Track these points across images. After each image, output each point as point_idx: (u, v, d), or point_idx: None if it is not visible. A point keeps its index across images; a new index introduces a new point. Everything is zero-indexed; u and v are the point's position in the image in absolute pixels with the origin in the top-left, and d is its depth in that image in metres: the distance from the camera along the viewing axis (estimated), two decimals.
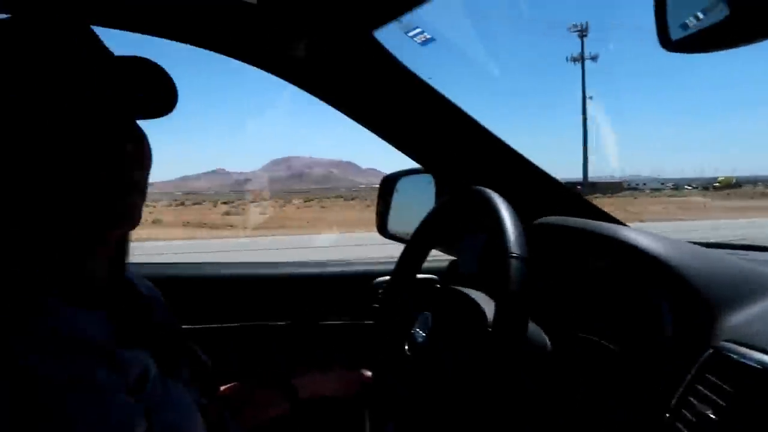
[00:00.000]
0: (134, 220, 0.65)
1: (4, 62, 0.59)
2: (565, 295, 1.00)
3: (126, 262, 0.75)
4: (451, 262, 1.48)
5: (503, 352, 0.68)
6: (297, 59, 1.17)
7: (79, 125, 0.60)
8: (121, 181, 0.62)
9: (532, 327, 0.85)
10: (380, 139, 1.30)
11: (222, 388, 0.99)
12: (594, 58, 44.82)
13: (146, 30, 1.15)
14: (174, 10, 1.12)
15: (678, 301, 0.76)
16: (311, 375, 1.02)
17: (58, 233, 0.62)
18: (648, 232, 0.89)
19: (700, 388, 0.65)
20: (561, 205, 1.21)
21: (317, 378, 1.02)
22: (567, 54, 45.87)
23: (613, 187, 64.49)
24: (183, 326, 0.89)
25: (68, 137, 0.59)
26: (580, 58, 44.17)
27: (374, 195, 1.61)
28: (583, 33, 44.64)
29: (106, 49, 0.66)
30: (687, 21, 0.60)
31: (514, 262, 0.71)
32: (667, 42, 0.60)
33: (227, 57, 1.20)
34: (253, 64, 1.21)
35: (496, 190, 0.84)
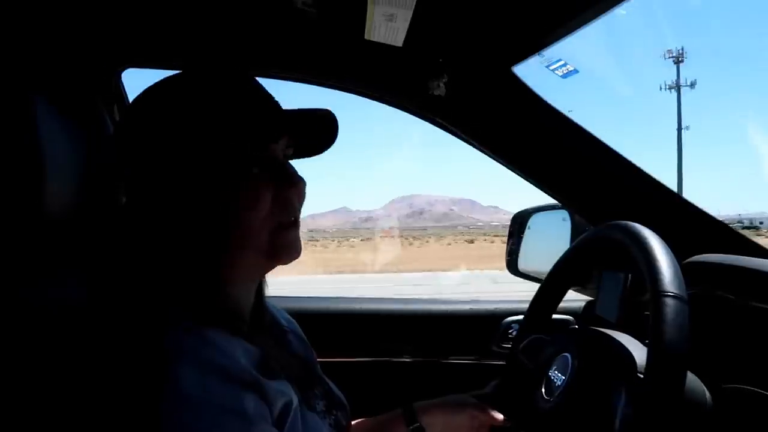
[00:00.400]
0: (299, 252, 0.72)
1: (183, 112, 0.67)
2: (726, 343, 0.90)
3: (264, 293, 0.81)
4: (588, 303, 1.40)
5: (659, 402, 0.62)
6: (438, 98, 1.19)
7: (257, 170, 0.68)
8: (291, 218, 0.71)
9: (691, 377, 0.77)
10: (506, 174, 1.28)
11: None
12: (692, 85, 41.08)
13: (294, 77, 1.25)
14: (321, 57, 1.21)
15: None
16: (441, 414, 1.00)
17: (234, 269, 0.70)
18: None
19: None
20: (717, 242, 1.10)
21: (447, 418, 0.99)
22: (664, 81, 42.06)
23: None
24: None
25: (247, 182, 0.67)
26: (676, 86, 40.49)
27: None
28: (679, 59, 41.22)
29: (273, 100, 0.73)
30: None
31: (670, 302, 0.66)
32: None
33: (364, 99, 1.26)
34: (395, 105, 1.26)
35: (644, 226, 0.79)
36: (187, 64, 1.20)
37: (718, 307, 0.93)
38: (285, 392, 0.63)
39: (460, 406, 0.99)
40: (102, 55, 1.19)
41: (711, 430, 0.75)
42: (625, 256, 0.79)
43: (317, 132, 0.76)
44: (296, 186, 0.71)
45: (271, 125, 0.69)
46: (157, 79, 0.71)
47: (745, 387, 0.82)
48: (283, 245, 0.70)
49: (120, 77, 1.25)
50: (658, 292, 0.67)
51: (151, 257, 0.67)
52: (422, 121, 1.25)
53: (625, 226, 0.82)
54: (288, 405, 0.63)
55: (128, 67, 1.24)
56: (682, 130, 39.22)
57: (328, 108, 0.75)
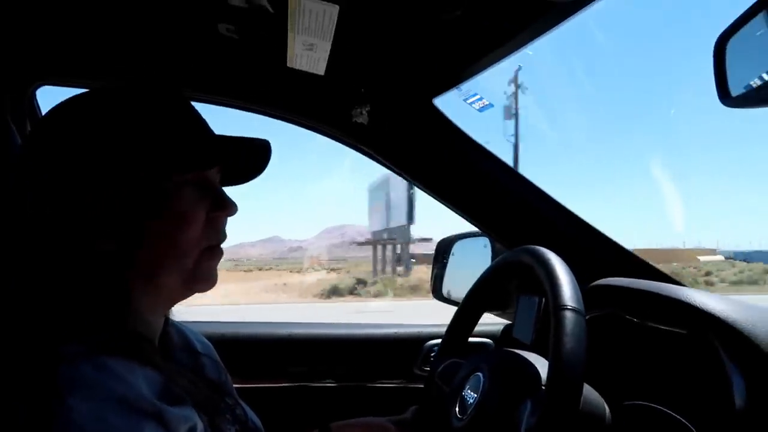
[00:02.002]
0: (215, 281, 0.72)
1: (109, 127, 0.65)
2: (625, 361, 0.96)
3: (170, 317, 0.80)
4: (506, 327, 1.44)
5: (559, 408, 0.65)
6: (361, 125, 1.22)
7: (193, 191, 0.68)
8: (219, 242, 0.72)
9: (592, 393, 0.81)
10: (438, 205, 1.32)
11: None
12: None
13: (219, 101, 1.25)
14: (245, 82, 1.22)
15: (749, 368, 0.71)
16: None
17: (150, 295, 0.68)
18: (714, 294, 0.85)
19: None
20: (620, 267, 1.18)
21: None
22: None
23: None
24: (235, 385, 0.90)
25: (181, 202, 0.66)
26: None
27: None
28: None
29: (206, 126, 0.73)
30: (750, 79, 0.61)
31: (567, 314, 0.69)
32: (726, 96, 0.60)
33: (288, 127, 1.28)
34: (319, 131, 1.28)
35: (552, 251, 0.83)
36: (108, 83, 1.18)
37: (621, 328, 0.99)
38: (189, 418, 0.61)
39: (377, 431, 1.00)
40: (15, 71, 1.15)
41: None
42: (534, 278, 0.83)
43: (251, 161, 0.77)
44: (228, 209, 0.71)
45: (207, 152, 0.69)
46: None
47: (643, 403, 0.87)
48: (205, 271, 0.70)
49: (34, 94, 1.21)
50: (558, 306, 0.71)
51: (53, 282, 0.64)
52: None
53: (532, 250, 0.86)
54: (192, 430, 0.61)
55: (43, 84, 1.20)
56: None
57: (265, 138, 0.76)
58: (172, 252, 0.67)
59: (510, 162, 1.36)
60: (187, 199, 0.67)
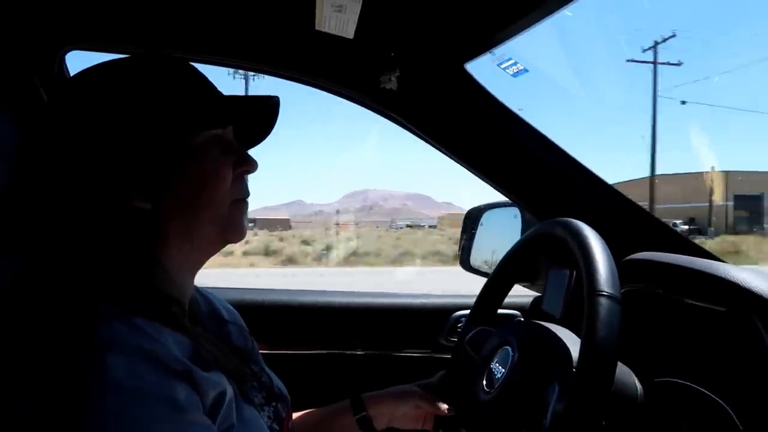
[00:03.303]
0: (246, 232, 0.77)
1: (134, 89, 0.68)
2: (660, 338, 0.93)
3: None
4: (535, 299, 1.43)
5: (588, 398, 0.63)
6: (390, 91, 1.19)
7: (217, 149, 0.72)
8: (245, 196, 0.76)
9: (624, 371, 0.79)
10: (462, 171, 1.29)
11: (296, 415, 0.99)
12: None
13: (247, 65, 1.24)
14: (273, 47, 1.20)
15: None
16: (388, 404, 1.01)
17: (187, 250, 0.72)
18: (754, 269, 0.81)
19: None
20: (656, 240, 1.14)
21: (393, 408, 1.01)
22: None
23: (283, 224, 57.00)
24: (262, 351, 0.90)
25: (196, 161, 0.69)
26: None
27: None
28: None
29: (214, 87, 0.76)
30: None
31: (603, 301, 0.67)
32: None
33: (313, 93, 1.26)
34: (347, 97, 1.26)
35: (586, 224, 0.80)
36: (137, 48, 1.17)
37: (655, 304, 0.96)
38: (218, 383, 0.63)
39: (405, 396, 1.01)
40: (44, 34, 1.14)
41: (641, 421, 0.78)
42: (567, 252, 0.81)
43: (263, 118, 0.80)
44: (250, 165, 0.76)
45: (225, 110, 0.74)
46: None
47: (675, 380, 0.85)
48: (238, 221, 0.74)
49: (63, 59, 1.20)
50: (593, 290, 0.68)
51: (86, 244, 0.66)
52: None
53: (566, 223, 0.83)
54: (222, 395, 0.62)
55: (73, 49, 1.19)
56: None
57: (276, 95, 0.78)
58: (207, 204, 0.70)
59: None
60: (214, 157, 0.71)
